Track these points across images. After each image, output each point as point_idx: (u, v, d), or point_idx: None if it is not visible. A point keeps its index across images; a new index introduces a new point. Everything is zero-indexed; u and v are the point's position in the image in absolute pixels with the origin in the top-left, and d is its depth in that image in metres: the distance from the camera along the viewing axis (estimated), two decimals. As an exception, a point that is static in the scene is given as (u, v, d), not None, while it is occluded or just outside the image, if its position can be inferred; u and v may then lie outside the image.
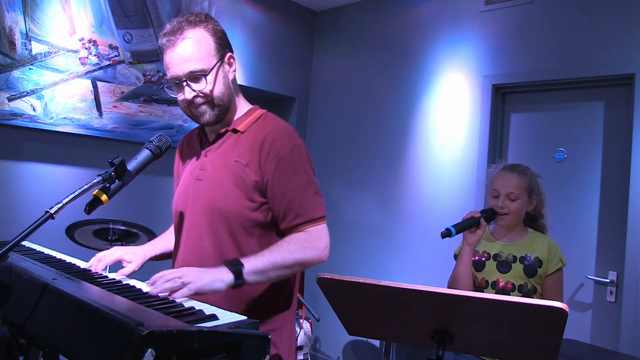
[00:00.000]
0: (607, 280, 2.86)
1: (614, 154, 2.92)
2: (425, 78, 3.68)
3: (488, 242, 2.15)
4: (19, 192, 2.87)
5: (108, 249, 1.57)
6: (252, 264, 1.29)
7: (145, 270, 1.57)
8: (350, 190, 4.05)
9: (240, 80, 3.81)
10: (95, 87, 3.07)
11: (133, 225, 2.62)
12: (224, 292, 1.26)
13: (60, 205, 1.16)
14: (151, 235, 2.60)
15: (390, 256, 3.77)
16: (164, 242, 1.71)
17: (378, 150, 3.91)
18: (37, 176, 2.94)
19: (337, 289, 1.39)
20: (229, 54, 1.48)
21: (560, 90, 3.16)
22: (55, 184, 2.99)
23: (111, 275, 1.42)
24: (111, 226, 2.61)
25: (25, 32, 2.78)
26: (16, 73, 2.76)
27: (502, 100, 3.40)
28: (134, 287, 1.28)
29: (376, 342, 3.80)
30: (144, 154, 1.38)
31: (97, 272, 1.45)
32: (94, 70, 3.06)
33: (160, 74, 3.36)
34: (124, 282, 1.33)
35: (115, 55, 3.15)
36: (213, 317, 1.05)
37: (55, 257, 1.58)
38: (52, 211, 1.14)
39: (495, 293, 2.04)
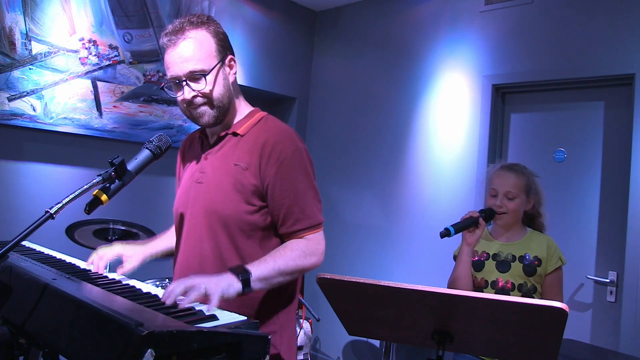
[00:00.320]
0: (607, 280, 2.86)
1: (614, 154, 2.92)
2: (425, 78, 3.68)
3: (487, 242, 2.16)
4: (19, 192, 2.87)
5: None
6: (258, 272, 1.29)
7: (146, 271, 1.57)
8: (350, 190, 4.05)
9: (240, 81, 3.81)
10: (95, 87, 3.07)
11: (133, 225, 2.62)
12: None
13: (60, 205, 1.16)
14: (151, 235, 2.60)
15: (390, 256, 3.77)
16: (165, 241, 1.71)
17: (378, 150, 3.91)
18: (37, 176, 2.94)
19: (337, 289, 1.39)
20: (229, 56, 1.48)
21: (560, 90, 3.16)
22: (55, 184, 2.99)
23: (111, 275, 1.42)
24: (111, 226, 2.60)
25: (25, 32, 2.78)
26: (16, 73, 2.76)
27: (502, 100, 3.40)
28: (134, 287, 1.28)
29: (376, 342, 3.80)
30: (144, 154, 1.38)
31: (97, 272, 1.45)
32: (94, 70, 3.06)
33: (160, 74, 3.36)
34: (124, 282, 1.34)
35: (115, 55, 3.15)
36: (213, 317, 1.05)
37: (55, 257, 1.58)
38: (52, 211, 1.14)
39: (495, 293, 2.05)
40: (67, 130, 2.98)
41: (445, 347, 1.36)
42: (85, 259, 1.54)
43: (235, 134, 1.50)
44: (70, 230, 2.55)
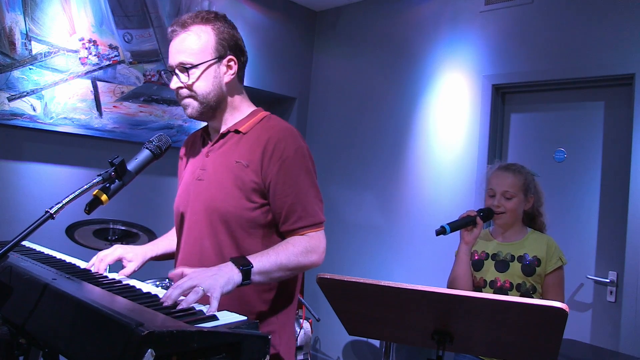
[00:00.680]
0: (607, 280, 2.86)
1: (614, 154, 2.92)
2: (425, 78, 3.68)
3: (486, 241, 2.16)
4: (19, 192, 2.87)
5: (108, 248, 1.57)
6: (259, 264, 1.29)
7: (146, 271, 1.57)
8: (350, 190, 4.05)
9: (240, 80, 3.80)
10: (95, 87, 3.07)
11: (133, 225, 2.62)
12: None
13: (60, 205, 1.16)
14: (151, 235, 2.60)
15: (390, 256, 3.77)
16: (165, 242, 1.71)
17: (378, 150, 3.91)
18: (37, 176, 2.94)
19: (337, 289, 1.39)
20: (229, 57, 1.48)
21: (560, 90, 3.16)
22: (55, 184, 2.99)
23: (111, 275, 1.42)
24: (111, 226, 2.61)
25: (25, 32, 2.78)
26: (16, 73, 2.76)
27: (502, 100, 3.40)
28: (134, 287, 1.28)
29: (376, 342, 3.80)
30: (144, 154, 1.38)
31: (97, 272, 1.45)
32: (94, 70, 3.06)
33: (160, 74, 3.36)
34: (124, 282, 1.34)
35: (115, 55, 3.15)
36: (213, 317, 1.05)
37: (55, 257, 1.58)
38: (52, 211, 1.14)
39: (494, 292, 2.05)
40: (67, 130, 2.98)
41: (445, 347, 1.36)
42: (85, 259, 1.54)
43: (237, 132, 1.51)
44: (70, 230, 2.56)
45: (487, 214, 2.09)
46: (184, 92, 1.46)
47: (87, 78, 3.03)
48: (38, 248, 1.68)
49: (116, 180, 1.29)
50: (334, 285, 1.37)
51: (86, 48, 3.01)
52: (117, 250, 1.53)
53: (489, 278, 2.08)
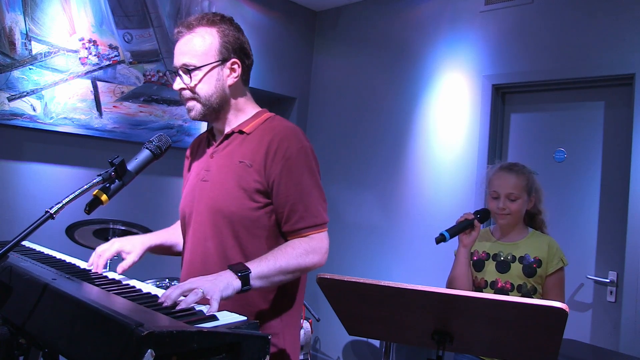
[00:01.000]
0: (607, 280, 2.86)
1: (614, 154, 2.92)
2: (425, 78, 3.67)
3: (487, 242, 2.15)
4: (19, 192, 2.87)
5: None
6: (258, 269, 1.28)
7: (146, 271, 1.57)
8: (350, 190, 4.05)
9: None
10: (95, 87, 3.07)
11: (133, 225, 2.62)
12: None
13: (60, 205, 1.16)
14: (151, 235, 2.60)
15: (390, 256, 3.77)
16: (166, 233, 1.69)
17: (378, 150, 3.91)
18: (37, 176, 2.94)
19: (337, 289, 1.39)
20: (233, 60, 1.48)
21: (560, 90, 3.16)
22: (55, 184, 2.99)
23: (111, 276, 1.42)
24: (111, 226, 2.61)
25: (25, 32, 2.78)
26: (16, 73, 2.76)
27: (502, 100, 3.40)
28: (134, 287, 1.28)
29: (376, 342, 3.80)
30: (144, 154, 1.38)
31: (97, 272, 1.45)
32: (94, 70, 3.06)
33: (160, 74, 3.36)
34: (124, 283, 1.34)
35: (115, 55, 3.15)
36: (213, 317, 1.05)
37: (55, 257, 1.58)
38: (52, 211, 1.14)
39: (494, 293, 2.04)
40: (67, 130, 2.98)
41: (445, 347, 1.36)
42: (85, 259, 1.54)
43: (241, 132, 1.51)
44: (70, 230, 2.56)
45: (484, 216, 2.06)
46: (187, 93, 1.47)
47: (87, 78, 3.03)
48: (38, 248, 1.68)
49: (116, 180, 1.29)
50: (334, 285, 1.37)
51: (86, 48, 3.01)
52: (115, 244, 1.52)
53: (490, 279, 2.08)
